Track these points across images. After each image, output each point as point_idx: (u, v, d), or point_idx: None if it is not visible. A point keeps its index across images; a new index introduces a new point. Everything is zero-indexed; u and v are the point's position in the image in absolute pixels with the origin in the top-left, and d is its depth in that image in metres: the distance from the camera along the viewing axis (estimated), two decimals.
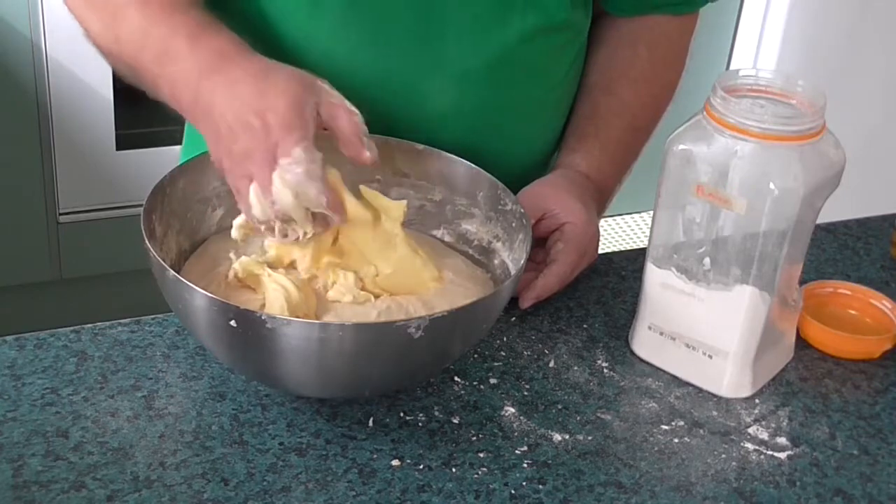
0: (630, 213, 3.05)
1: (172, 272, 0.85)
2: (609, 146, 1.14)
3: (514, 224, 0.99)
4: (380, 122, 1.06)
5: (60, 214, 2.31)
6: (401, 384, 0.94)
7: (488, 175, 1.01)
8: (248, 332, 0.83)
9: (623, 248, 2.13)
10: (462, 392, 0.96)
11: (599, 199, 1.12)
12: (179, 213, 0.98)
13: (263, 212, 0.89)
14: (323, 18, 1.03)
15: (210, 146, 0.92)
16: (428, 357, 0.89)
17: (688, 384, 1.00)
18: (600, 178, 1.13)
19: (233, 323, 0.82)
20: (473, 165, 1.01)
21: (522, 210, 0.98)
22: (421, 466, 0.88)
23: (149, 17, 0.95)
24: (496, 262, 1.02)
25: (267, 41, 1.04)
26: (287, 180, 0.87)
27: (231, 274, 0.94)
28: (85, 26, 1.03)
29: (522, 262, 0.93)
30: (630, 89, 1.16)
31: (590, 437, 0.93)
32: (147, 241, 0.89)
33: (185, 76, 0.92)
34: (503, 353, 1.01)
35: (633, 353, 1.03)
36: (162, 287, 0.88)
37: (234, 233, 0.94)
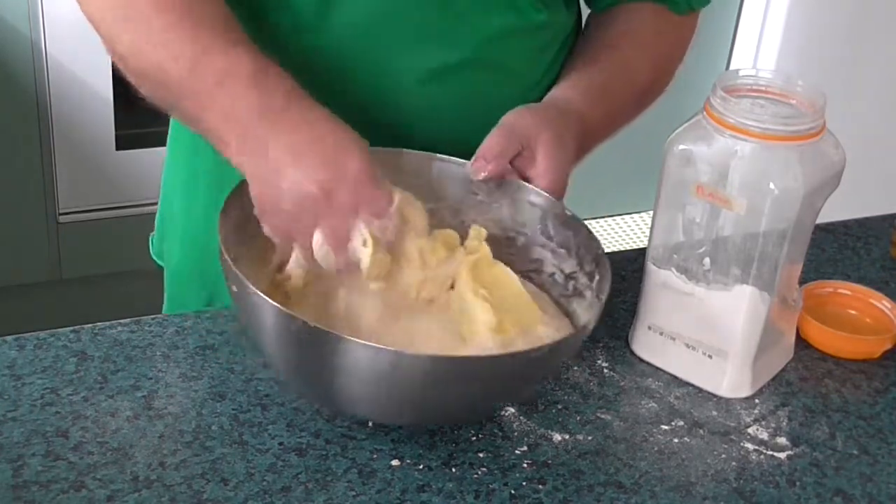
0: (630, 213, 3.05)
1: (254, 289, 0.83)
2: (607, 95, 1.11)
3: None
4: (351, 115, 1.05)
5: (60, 214, 2.31)
6: (461, 419, 0.93)
7: (607, 259, 0.96)
8: (322, 350, 0.82)
9: (623, 248, 2.13)
10: None
11: (586, 146, 1.08)
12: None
13: (328, 263, 0.89)
14: (297, 6, 1.02)
15: (260, 186, 0.89)
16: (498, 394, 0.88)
17: (688, 384, 1.00)
18: (592, 125, 1.09)
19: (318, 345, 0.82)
20: (603, 249, 0.97)
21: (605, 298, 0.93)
22: (421, 466, 0.88)
23: (202, 46, 0.92)
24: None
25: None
26: (382, 237, 0.89)
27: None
28: (113, 41, 0.98)
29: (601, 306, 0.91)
30: (632, 46, 1.13)
31: (590, 437, 0.93)
32: (228, 261, 0.86)
33: (242, 111, 0.90)
34: None
35: (633, 353, 1.03)
36: (236, 300, 0.88)
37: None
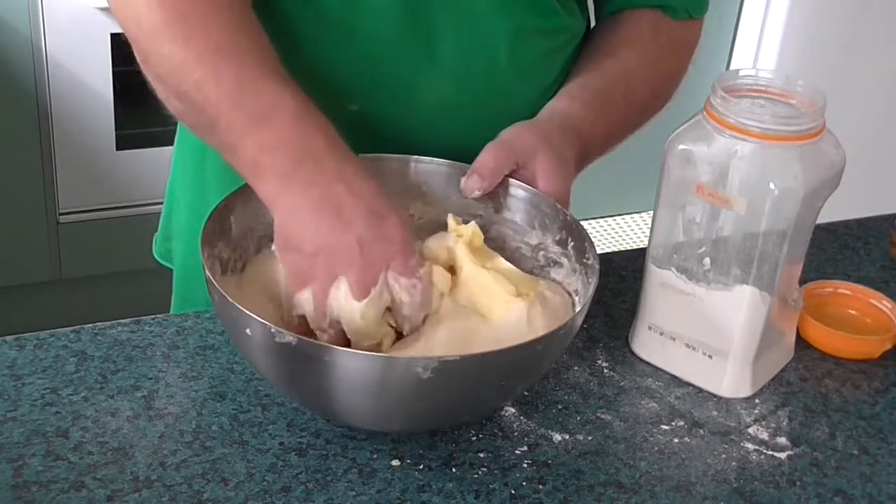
0: (630, 213, 3.05)
1: (237, 305, 0.83)
2: (607, 110, 1.10)
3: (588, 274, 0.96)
4: (372, 115, 1.06)
5: (60, 214, 2.31)
6: (460, 420, 0.92)
7: (581, 225, 0.97)
8: (312, 362, 0.81)
9: (623, 248, 2.13)
10: None
11: (584, 161, 1.08)
12: (233, 241, 0.96)
13: (340, 312, 0.87)
14: (325, 6, 1.02)
15: (292, 223, 0.87)
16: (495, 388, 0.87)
17: (688, 384, 1.00)
18: (591, 140, 1.08)
19: (326, 358, 0.80)
20: (572, 216, 0.97)
21: (598, 265, 0.94)
22: (421, 466, 0.88)
23: (246, 72, 0.90)
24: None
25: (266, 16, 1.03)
26: (411, 298, 0.88)
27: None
28: (152, 59, 0.94)
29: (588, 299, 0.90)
30: (633, 58, 1.13)
31: (590, 437, 0.93)
32: (208, 272, 0.86)
33: (283, 147, 0.88)
34: None
35: (633, 353, 1.03)
36: (222, 315, 0.88)
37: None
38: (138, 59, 0.96)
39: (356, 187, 0.88)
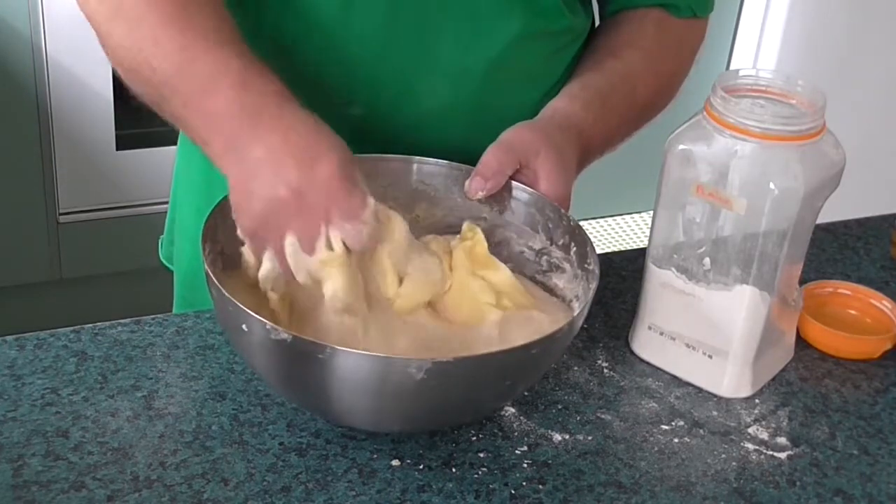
0: (630, 213, 3.05)
1: (234, 301, 0.82)
2: (608, 111, 1.09)
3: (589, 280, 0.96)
4: (373, 118, 1.06)
5: (60, 214, 2.31)
6: (461, 420, 0.92)
7: (583, 230, 0.97)
8: (312, 362, 0.81)
9: (623, 248, 2.13)
10: None
11: (585, 161, 1.08)
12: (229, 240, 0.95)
13: (298, 268, 0.87)
14: (321, 11, 1.03)
15: (235, 186, 0.88)
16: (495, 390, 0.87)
17: (688, 384, 1.00)
18: (592, 140, 1.08)
19: (320, 355, 0.80)
20: (575, 220, 0.97)
21: (597, 270, 0.94)
22: (421, 466, 0.88)
23: (190, 45, 0.91)
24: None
25: (264, 34, 1.03)
26: (359, 244, 0.87)
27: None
28: (106, 36, 0.97)
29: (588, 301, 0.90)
30: (636, 58, 1.12)
31: (590, 437, 0.93)
32: (207, 267, 0.86)
33: (226, 112, 0.89)
34: None
35: (633, 353, 1.03)
36: (220, 312, 0.88)
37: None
38: (98, 38, 0.97)
39: (292, 135, 0.87)
